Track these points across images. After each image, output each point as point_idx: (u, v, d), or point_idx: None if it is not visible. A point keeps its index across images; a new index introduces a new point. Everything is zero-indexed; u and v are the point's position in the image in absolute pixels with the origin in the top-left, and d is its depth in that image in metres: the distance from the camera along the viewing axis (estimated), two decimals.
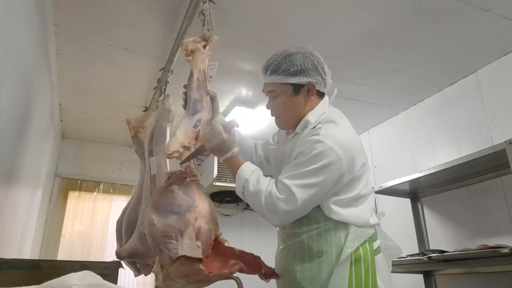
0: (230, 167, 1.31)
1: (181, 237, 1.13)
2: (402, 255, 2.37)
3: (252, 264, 1.23)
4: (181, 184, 1.25)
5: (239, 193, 1.27)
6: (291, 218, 1.21)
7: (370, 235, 1.24)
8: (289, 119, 1.35)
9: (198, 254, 1.13)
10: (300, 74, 1.29)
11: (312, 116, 1.30)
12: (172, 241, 1.13)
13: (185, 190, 1.24)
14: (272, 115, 1.41)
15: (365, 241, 1.22)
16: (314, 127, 1.27)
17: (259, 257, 1.26)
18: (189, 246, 1.13)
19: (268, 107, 1.41)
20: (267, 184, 1.22)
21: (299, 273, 1.22)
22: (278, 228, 1.38)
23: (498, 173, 2.26)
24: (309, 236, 1.23)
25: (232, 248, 1.24)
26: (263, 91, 1.41)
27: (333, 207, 1.21)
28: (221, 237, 1.27)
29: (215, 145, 1.28)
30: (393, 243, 1.36)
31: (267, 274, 1.25)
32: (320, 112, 1.32)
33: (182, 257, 1.12)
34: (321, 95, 1.37)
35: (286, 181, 1.19)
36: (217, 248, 1.23)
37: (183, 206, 1.18)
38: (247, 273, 1.22)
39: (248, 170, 1.27)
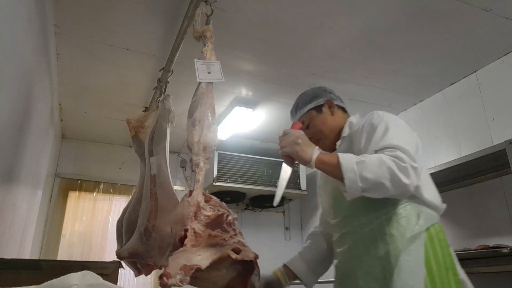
0: (324, 165, 1.20)
1: None
2: None
3: None
4: None
5: (351, 181, 1.10)
6: (418, 175, 1.11)
7: (438, 221, 1.22)
8: (327, 136, 1.46)
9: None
10: (315, 99, 1.50)
11: (353, 119, 1.45)
12: None
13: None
14: (314, 143, 1.37)
15: (435, 223, 1.20)
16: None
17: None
18: None
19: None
20: (376, 154, 1.13)
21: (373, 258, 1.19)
22: (333, 234, 1.39)
23: (498, 173, 2.25)
24: (380, 222, 1.21)
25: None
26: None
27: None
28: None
29: (296, 151, 1.23)
30: None
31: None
32: (357, 118, 1.45)
33: None
34: (344, 110, 1.53)
35: (389, 143, 1.14)
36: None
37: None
38: None
39: (348, 156, 1.15)
